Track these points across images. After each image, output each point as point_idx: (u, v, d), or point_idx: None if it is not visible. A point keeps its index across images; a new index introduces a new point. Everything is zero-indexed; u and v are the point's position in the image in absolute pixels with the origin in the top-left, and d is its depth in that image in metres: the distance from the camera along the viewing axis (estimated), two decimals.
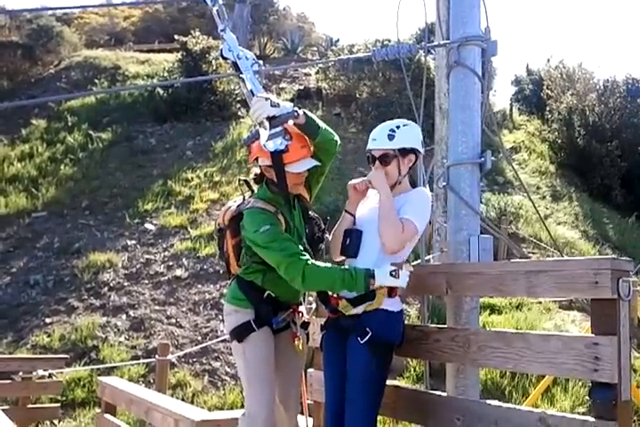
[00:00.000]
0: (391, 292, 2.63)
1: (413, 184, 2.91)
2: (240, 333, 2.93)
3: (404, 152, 2.77)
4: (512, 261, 2.64)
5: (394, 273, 2.57)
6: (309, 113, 2.82)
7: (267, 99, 2.64)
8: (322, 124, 2.87)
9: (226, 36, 2.84)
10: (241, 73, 2.79)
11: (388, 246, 2.63)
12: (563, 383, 6.56)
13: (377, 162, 2.78)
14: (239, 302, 2.99)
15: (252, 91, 2.77)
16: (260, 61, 2.84)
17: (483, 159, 3.15)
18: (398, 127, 2.79)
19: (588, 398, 2.24)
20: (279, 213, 2.85)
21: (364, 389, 2.57)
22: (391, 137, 2.76)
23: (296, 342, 2.97)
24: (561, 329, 7.74)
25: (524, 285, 2.41)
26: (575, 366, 2.20)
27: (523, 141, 16.09)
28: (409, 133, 2.81)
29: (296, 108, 2.71)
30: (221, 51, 2.83)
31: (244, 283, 2.98)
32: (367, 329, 2.56)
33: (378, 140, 2.79)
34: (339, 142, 2.99)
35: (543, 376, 5.54)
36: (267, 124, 2.65)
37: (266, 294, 2.93)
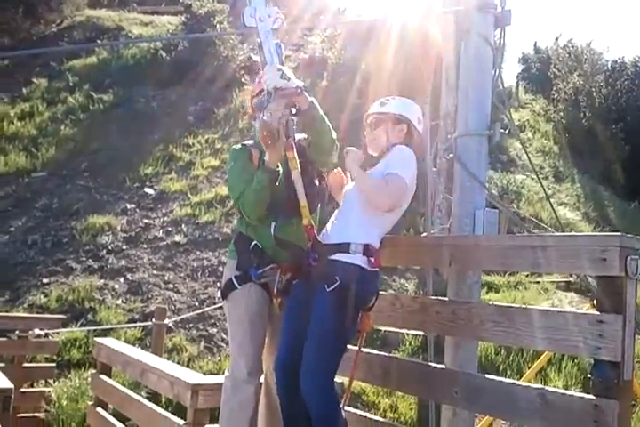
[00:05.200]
0: (367, 251, 2.61)
1: None
2: (223, 290, 2.95)
3: (395, 120, 2.82)
4: (518, 235, 2.62)
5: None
6: (317, 106, 2.80)
7: (278, 70, 2.63)
8: (321, 127, 2.84)
9: None
10: (261, 40, 2.73)
11: (381, 204, 2.62)
12: (556, 363, 6.61)
13: (367, 127, 2.86)
14: (230, 253, 3.03)
15: (265, 59, 2.72)
16: (282, 16, 2.76)
17: (491, 131, 3.10)
18: (394, 98, 2.90)
19: (589, 375, 2.23)
20: (254, 147, 2.94)
21: (323, 340, 2.54)
22: (383, 104, 2.87)
23: (275, 301, 2.89)
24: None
25: (530, 259, 2.38)
26: (578, 343, 2.18)
27: (527, 120, 15.97)
28: (401, 103, 2.89)
29: (302, 87, 2.69)
30: (243, 20, 2.75)
31: (237, 233, 3.03)
32: (336, 278, 2.54)
33: (372, 107, 2.91)
34: (330, 151, 2.94)
35: (539, 355, 5.57)
36: (272, 94, 2.66)
37: (252, 245, 2.90)
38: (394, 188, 2.61)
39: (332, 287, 2.53)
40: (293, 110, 2.75)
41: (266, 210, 2.87)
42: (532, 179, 11.92)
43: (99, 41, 15.27)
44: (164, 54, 14.01)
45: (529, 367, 6.15)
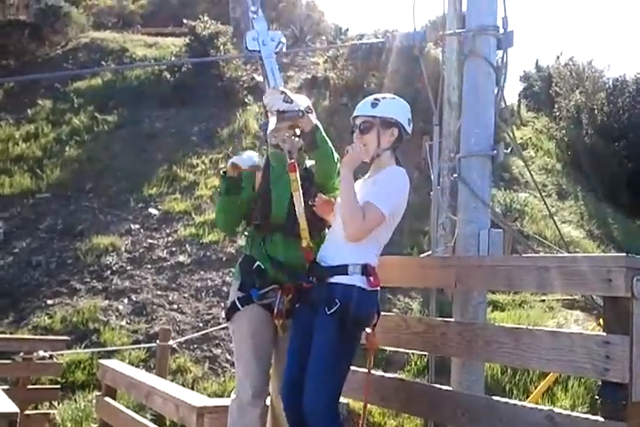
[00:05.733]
0: (365, 271, 2.59)
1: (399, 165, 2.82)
2: (227, 311, 2.97)
3: (386, 124, 2.73)
4: (524, 255, 2.63)
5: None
6: (321, 129, 2.78)
7: (282, 92, 2.64)
8: (325, 150, 2.80)
9: (256, 21, 2.79)
10: (263, 62, 2.75)
11: (349, 237, 2.59)
12: (564, 382, 6.56)
13: (357, 130, 2.76)
14: (234, 274, 3.07)
15: (268, 81, 2.74)
16: (284, 40, 2.79)
17: (495, 151, 3.12)
18: (384, 98, 2.79)
19: (597, 397, 2.22)
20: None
21: (325, 362, 2.52)
22: (374, 105, 2.76)
23: (276, 322, 2.87)
24: (563, 328, 7.74)
25: (536, 280, 2.39)
26: (585, 364, 2.18)
27: (530, 138, 16.02)
28: (393, 105, 2.79)
29: (304, 110, 2.68)
30: (245, 43, 2.77)
31: (244, 255, 3.05)
32: (336, 300, 2.52)
33: (361, 107, 2.80)
34: (331, 174, 2.93)
35: (545, 375, 5.54)
36: (275, 116, 2.66)
37: (255, 266, 2.92)
38: (367, 222, 2.57)
39: (333, 310, 2.52)
40: (297, 131, 2.77)
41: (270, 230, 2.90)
42: (536, 197, 11.92)
43: (103, 62, 15.39)
44: (167, 75, 14.12)
45: (535, 387, 6.11)
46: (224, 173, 2.91)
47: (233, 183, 2.89)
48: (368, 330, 2.68)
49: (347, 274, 2.58)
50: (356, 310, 2.54)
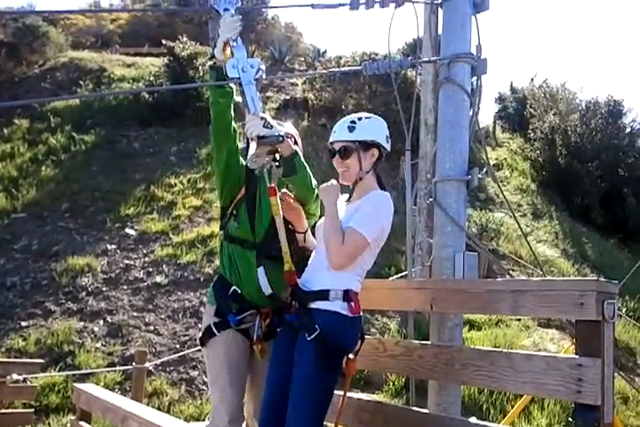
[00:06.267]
0: (346, 296, 2.57)
1: (381, 185, 2.82)
2: (202, 337, 2.94)
3: (366, 146, 2.72)
4: (498, 279, 2.67)
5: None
6: (300, 155, 2.80)
7: (262, 118, 2.67)
8: (303, 175, 2.81)
9: (236, 49, 2.83)
10: (242, 89, 2.79)
11: (331, 262, 2.57)
12: (539, 401, 6.60)
13: (336, 155, 2.74)
14: (209, 297, 3.03)
15: (248, 108, 2.77)
16: (263, 67, 2.83)
17: (470, 176, 3.17)
18: (360, 119, 2.76)
19: (570, 419, 2.25)
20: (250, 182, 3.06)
21: (306, 390, 2.49)
22: (351, 129, 2.73)
23: (254, 348, 2.87)
24: (539, 347, 7.81)
25: (510, 303, 2.43)
26: (558, 386, 2.22)
27: (505, 159, 16.27)
28: (371, 126, 2.76)
29: (284, 135, 2.69)
30: (225, 72, 2.81)
31: (218, 276, 3.03)
32: (316, 326, 2.50)
33: (338, 132, 2.77)
34: (309, 200, 2.95)
35: (521, 394, 5.58)
36: (255, 142, 2.69)
37: (231, 290, 2.90)
38: (347, 246, 2.54)
39: (313, 336, 2.50)
40: (277, 156, 2.80)
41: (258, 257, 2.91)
42: (511, 216, 12.07)
43: (81, 82, 15.36)
44: (146, 95, 14.13)
45: (512, 406, 6.14)
46: (213, 63, 2.94)
47: (219, 70, 2.89)
48: (350, 355, 2.66)
49: (328, 300, 2.56)
50: (336, 337, 2.52)
